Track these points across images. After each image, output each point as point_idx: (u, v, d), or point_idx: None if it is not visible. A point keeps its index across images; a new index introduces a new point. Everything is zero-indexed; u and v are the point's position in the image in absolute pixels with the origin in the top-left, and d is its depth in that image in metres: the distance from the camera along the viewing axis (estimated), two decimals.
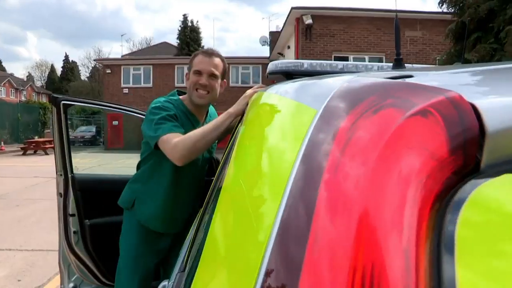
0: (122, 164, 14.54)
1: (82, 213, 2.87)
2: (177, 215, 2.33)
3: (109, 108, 3.13)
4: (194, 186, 2.37)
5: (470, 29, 7.42)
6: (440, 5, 8.75)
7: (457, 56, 8.10)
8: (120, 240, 2.35)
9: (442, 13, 17.35)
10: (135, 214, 2.28)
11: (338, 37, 16.62)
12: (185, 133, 2.02)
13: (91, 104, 3.27)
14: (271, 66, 1.95)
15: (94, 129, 31.58)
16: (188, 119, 2.24)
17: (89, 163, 16.47)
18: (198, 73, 2.20)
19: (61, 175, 2.86)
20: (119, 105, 3.15)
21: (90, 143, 30.16)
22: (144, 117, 2.23)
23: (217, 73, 2.24)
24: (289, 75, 1.92)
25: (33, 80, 66.33)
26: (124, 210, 2.36)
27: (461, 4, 8.07)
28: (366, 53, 16.80)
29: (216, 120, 2.04)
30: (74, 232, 2.84)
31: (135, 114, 3.10)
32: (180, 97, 2.34)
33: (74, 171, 2.96)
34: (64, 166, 2.85)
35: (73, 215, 2.85)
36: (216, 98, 2.29)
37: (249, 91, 2.00)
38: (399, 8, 19.08)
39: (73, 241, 2.83)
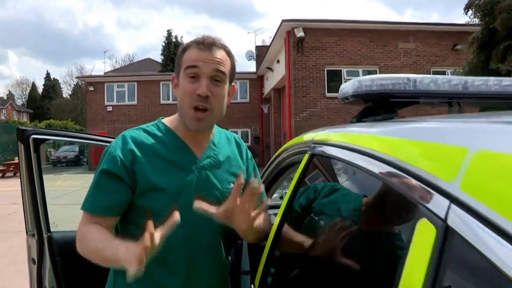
0: None
1: (63, 286, 2.10)
2: None
3: (89, 142, 2.39)
4: (212, 270, 1.55)
5: (500, 37, 6.86)
6: (466, 10, 8.19)
7: (481, 67, 7.54)
8: None
9: (435, 24, 17.21)
10: None
11: (331, 50, 16.16)
12: (172, 182, 1.42)
13: (69, 138, 2.46)
14: (351, 86, 1.28)
15: (77, 149, 30.84)
16: (178, 150, 1.50)
17: (72, 186, 15.67)
18: (193, 75, 1.41)
19: (33, 235, 2.10)
20: (104, 136, 2.41)
21: (73, 163, 29.41)
22: None
23: (224, 71, 1.45)
24: (384, 98, 1.21)
25: (13, 99, 64.90)
26: None
27: (490, 9, 7.46)
28: (360, 66, 16.35)
29: (105, 254, 1.32)
30: None
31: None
32: (165, 119, 1.59)
33: (52, 227, 2.19)
34: (38, 223, 2.09)
35: None
36: (222, 116, 1.52)
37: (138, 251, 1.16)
38: (391, 19, 18.81)
39: None
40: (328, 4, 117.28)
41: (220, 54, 1.44)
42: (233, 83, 1.54)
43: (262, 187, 1.33)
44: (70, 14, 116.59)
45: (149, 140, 1.47)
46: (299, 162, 1.58)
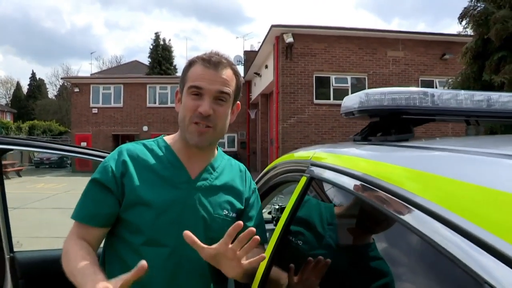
0: None
1: None
2: None
3: (58, 152, 2.19)
4: None
5: (494, 47, 6.76)
6: (460, 20, 8.10)
7: (474, 78, 7.44)
8: None
9: (424, 33, 17.22)
10: None
11: (320, 57, 16.06)
12: (156, 198, 1.35)
13: (36, 148, 2.21)
14: (358, 100, 1.10)
15: None
16: (172, 166, 1.44)
17: (54, 189, 15.33)
18: (197, 93, 1.37)
19: None
20: (75, 147, 2.21)
21: (56, 165, 28.90)
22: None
23: (228, 92, 1.39)
24: (395, 114, 1.04)
25: None
26: None
27: (484, 19, 7.36)
28: (348, 73, 16.28)
29: (75, 280, 1.21)
30: None
31: (90, 157, 2.16)
32: (167, 137, 1.56)
33: (15, 247, 1.96)
34: None
35: None
36: (224, 134, 1.49)
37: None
38: (380, 27, 18.84)
39: None
40: (315, 10, 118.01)
41: (226, 73, 1.39)
42: (237, 101, 1.51)
43: (258, 238, 1.16)
44: (57, 13, 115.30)
45: (145, 154, 1.44)
46: (291, 181, 1.41)
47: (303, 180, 1.23)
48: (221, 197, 1.45)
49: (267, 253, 1.27)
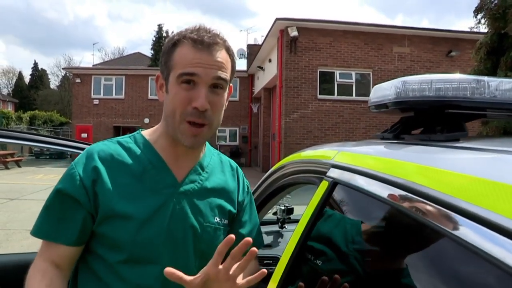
0: None
1: None
2: None
3: (45, 146, 2.02)
4: None
5: (511, 43, 6.52)
6: (475, 14, 7.84)
7: (487, 75, 7.22)
8: None
9: (430, 29, 16.92)
10: None
11: (324, 51, 15.81)
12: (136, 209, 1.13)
13: (22, 141, 2.02)
14: (394, 89, 0.88)
15: None
16: (154, 168, 1.20)
17: (54, 180, 15.02)
18: (188, 81, 1.12)
19: None
20: (64, 140, 2.03)
21: (56, 156, 28.68)
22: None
23: (226, 78, 1.16)
24: (438, 108, 0.84)
25: None
26: None
27: (501, 12, 7.10)
28: (353, 69, 16.03)
29: None
30: None
31: (70, 149, 1.98)
32: (145, 131, 1.30)
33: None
34: None
35: None
36: (218, 127, 1.25)
37: None
38: (386, 23, 18.60)
39: None
40: (319, 5, 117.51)
41: (221, 55, 1.15)
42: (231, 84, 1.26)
43: (255, 250, 0.96)
44: (60, 4, 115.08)
45: (120, 155, 1.19)
46: (303, 183, 1.21)
47: (323, 185, 1.02)
48: (212, 202, 1.24)
49: (278, 273, 1.06)
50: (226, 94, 1.20)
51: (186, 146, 1.16)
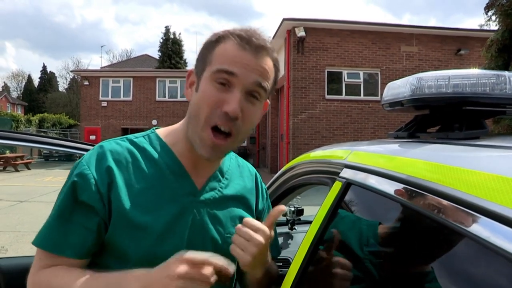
0: None
1: None
2: None
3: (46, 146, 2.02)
4: None
5: None
6: (486, 10, 7.75)
7: None
8: None
9: (439, 28, 16.79)
10: None
11: (332, 51, 15.74)
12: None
13: (24, 142, 1.99)
14: (409, 86, 0.85)
15: None
16: (172, 175, 1.07)
17: (62, 182, 15.02)
18: (225, 82, 0.99)
19: None
20: (69, 141, 2.02)
21: (65, 158, 28.82)
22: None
23: (266, 87, 1.02)
24: (455, 105, 0.81)
25: (8, 91, 64.12)
26: None
27: None
28: (361, 69, 15.93)
29: None
30: None
31: (78, 151, 1.98)
32: (161, 130, 1.16)
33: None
34: None
35: None
36: (242, 143, 1.12)
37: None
38: (394, 22, 18.46)
39: None
40: (325, 5, 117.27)
41: (266, 62, 1.02)
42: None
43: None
44: (68, 7, 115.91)
45: (134, 157, 1.06)
46: (314, 184, 1.17)
47: (336, 186, 0.98)
48: (231, 211, 1.14)
49: (290, 276, 1.03)
50: (261, 107, 1.07)
51: (202, 156, 1.04)
